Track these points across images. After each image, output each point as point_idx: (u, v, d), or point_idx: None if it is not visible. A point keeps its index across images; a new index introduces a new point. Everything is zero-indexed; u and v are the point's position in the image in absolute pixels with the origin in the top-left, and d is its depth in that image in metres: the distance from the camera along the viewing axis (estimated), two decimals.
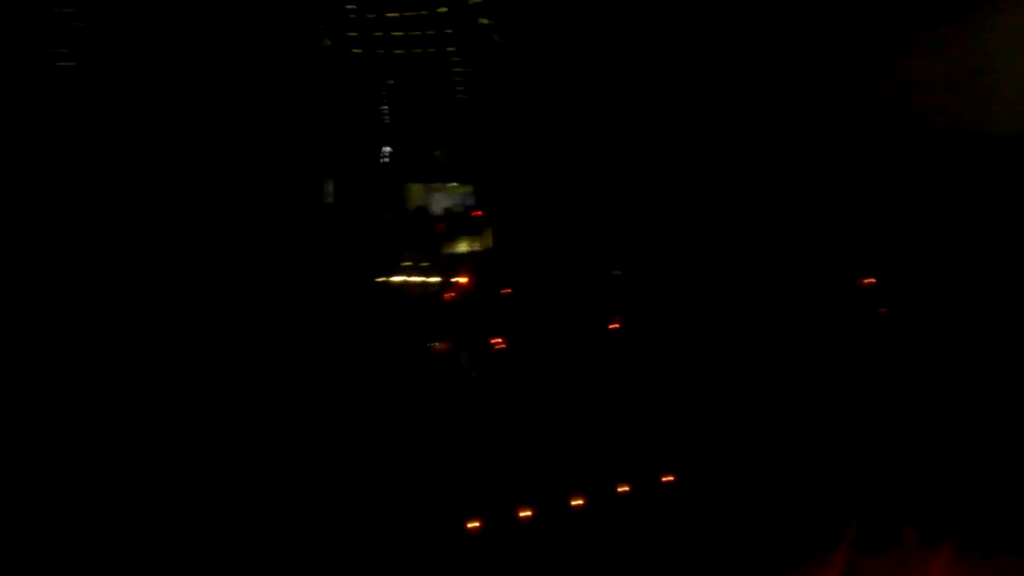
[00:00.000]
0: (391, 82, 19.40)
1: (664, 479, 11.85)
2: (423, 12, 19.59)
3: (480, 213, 23.44)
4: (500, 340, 18.99)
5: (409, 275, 21.76)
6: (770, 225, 18.14)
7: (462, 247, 23.10)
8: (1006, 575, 9.35)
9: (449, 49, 19.26)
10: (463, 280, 21.58)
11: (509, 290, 21.11)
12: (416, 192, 23.35)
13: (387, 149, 21.08)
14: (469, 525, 11.16)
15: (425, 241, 23.23)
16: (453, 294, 21.18)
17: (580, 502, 11.01)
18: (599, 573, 10.82)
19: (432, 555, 12.75)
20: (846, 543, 9.13)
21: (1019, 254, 12.49)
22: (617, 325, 18.54)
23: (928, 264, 14.00)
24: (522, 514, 10.95)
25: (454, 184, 23.44)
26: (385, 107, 20.40)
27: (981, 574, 9.45)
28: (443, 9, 19.18)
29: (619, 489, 11.49)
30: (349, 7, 19.73)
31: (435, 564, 12.71)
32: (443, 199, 23.50)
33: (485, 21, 18.96)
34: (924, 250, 14.32)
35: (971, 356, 11.98)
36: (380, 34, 19.59)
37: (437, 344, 18.73)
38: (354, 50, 19.61)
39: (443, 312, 20.17)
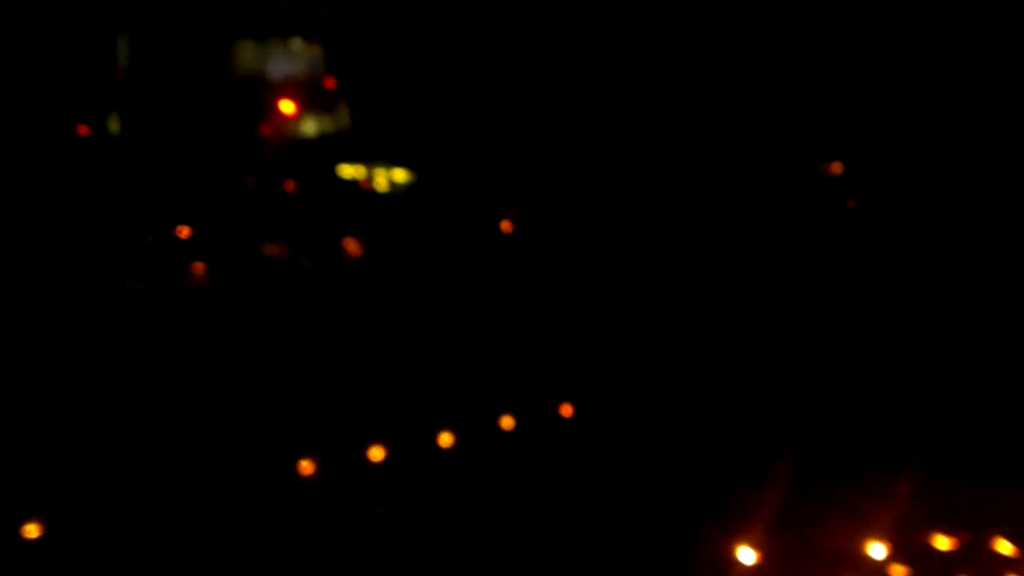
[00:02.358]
0: None
1: (561, 410, 10.97)
2: None
3: (333, 84, 20.24)
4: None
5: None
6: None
7: (309, 127, 19.71)
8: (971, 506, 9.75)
9: None
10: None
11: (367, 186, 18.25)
12: (248, 52, 19.62)
13: None
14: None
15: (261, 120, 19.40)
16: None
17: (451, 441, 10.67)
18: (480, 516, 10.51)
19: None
20: (778, 484, 8.36)
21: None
22: (509, 224, 16.99)
23: None
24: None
25: (298, 41, 20.05)
26: None
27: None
28: None
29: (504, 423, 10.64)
30: None
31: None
32: (283, 63, 20.12)
33: None
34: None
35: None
36: None
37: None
38: None
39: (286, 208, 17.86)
